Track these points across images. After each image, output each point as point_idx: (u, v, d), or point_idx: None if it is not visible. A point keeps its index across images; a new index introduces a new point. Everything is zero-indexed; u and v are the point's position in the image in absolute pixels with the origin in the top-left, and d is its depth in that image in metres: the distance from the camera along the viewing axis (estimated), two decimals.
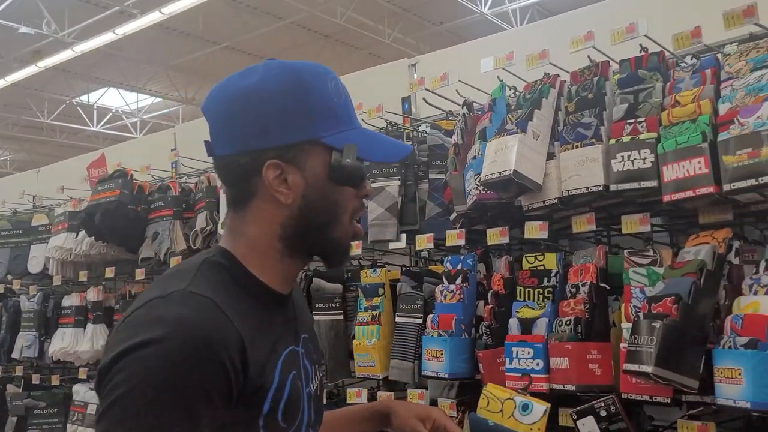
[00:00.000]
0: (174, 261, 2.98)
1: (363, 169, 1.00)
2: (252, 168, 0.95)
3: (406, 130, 2.53)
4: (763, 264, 1.57)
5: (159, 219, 3.10)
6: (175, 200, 3.09)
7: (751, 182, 1.47)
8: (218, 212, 2.92)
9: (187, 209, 3.11)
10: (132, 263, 3.24)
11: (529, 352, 1.82)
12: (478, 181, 1.92)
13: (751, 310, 1.50)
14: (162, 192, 3.15)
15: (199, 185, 3.09)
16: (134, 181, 3.19)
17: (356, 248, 2.39)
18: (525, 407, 1.02)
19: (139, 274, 3.15)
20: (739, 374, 1.43)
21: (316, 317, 2.48)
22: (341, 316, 2.47)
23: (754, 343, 1.44)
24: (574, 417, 1.73)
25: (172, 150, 3.58)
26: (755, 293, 1.53)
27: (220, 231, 2.87)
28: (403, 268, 2.48)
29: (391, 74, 2.85)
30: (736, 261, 1.62)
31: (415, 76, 2.78)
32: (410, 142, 2.45)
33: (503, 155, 1.83)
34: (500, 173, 1.81)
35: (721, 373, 1.46)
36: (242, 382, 0.88)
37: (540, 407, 0.97)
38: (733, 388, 1.44)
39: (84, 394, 3.31)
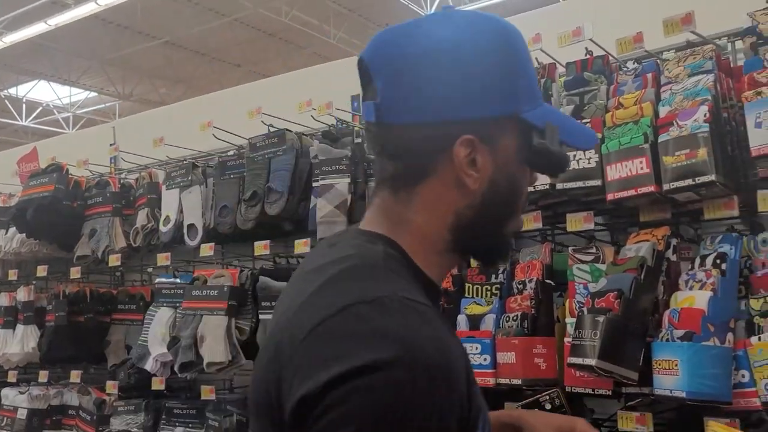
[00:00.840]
0: (113, 259, 2.88)
1: (566, 158, 0.82)
2: (440, 143, 0.77)
3: (356, 128, 2.52)
4: (697, 261, 1.64)
5: (97, 216, 2.98)
6: (115, 196, 2.98)
7: (689, 182, 1.54)
8: (160, 209, 2.84)
9: (127, 206, 3.01)
10: (66, 261, 3.11)
11: (476, 348, 1.85)
12: None
13: (687, 305, 1.57)
14: (100, 188, 3.04)
15: (140, 181, 2.99)
16: (70, 176, 3.06)
17: (304, 245, 2.37)
18: None
19: (75, 272, 3.02)
20: (676, 365, 1.49)
21: (262, 316, 2.44)
22: None
23: (690, 335, 1.51)
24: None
25: (111, 145, 3.46)
26: (691, 288, 1.61)
27: (162, 228, 2.79)
28: None
29: (340, 72, 2.85)
30: (673, 258, 1.69)
31: None
32: (360, 141, 2.45)
33: None
34: None
35: (659, 364, 1.53)
36: (467, 414, 0.69)
37: None
38: (670, 379, 1.51)
39: (14, 398, 3.14)
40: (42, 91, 13.01)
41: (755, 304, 1.53)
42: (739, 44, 1.73)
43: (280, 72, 3.26)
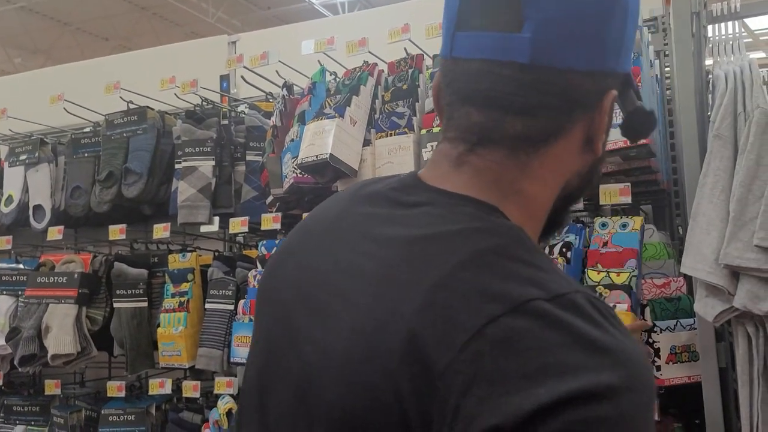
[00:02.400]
0: None
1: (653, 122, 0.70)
2: (589, 95, 0.62)
3: (224, 109, 2.43)
4: (546, 250, 1.74)
5: None
6: None
7: None
8: (1, 187, 2.59)
9: None
10: None
11: None
12: (295, 165, 1.90)
13: None
14: None
15: None
16: None
17: (164, 230, 2.25)
18: None
19: None
20: None
21: (116, 305, 2.29)
22: (145, 304, 2.31)
23: None
24: None
25: None
26: None
27: (3, 208, 2.54)
28: (216, 253, 2.38)
29: (210, 50, 2.73)
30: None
31: (235, 53, 2.69)
32: (227, 122, 2.36)
33: (320, 139, 1.83)
34: (317, 157, 1.81)
35: None
36: None
37: None
38: None
39: None
40: None
41: (594, 275, 1.63)
42: None
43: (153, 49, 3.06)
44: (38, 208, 2.50)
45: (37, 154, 2.52)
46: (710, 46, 1.62)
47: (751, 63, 1.36)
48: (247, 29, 11.62)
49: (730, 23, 1.56)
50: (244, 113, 2.39)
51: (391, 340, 0.52)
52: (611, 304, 1.58)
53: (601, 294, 1.62)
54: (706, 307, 1.35)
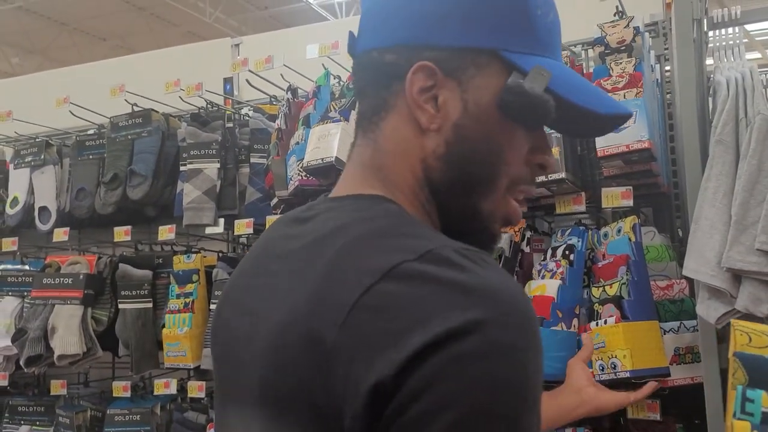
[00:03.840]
0: None
1: (551, 106, 0.65)
2: (398, 69, 0.66)
3: (228, 112, 2.45)
4: (549, 252, 1.77)
5: None
6: None
7: (542, 178, 1.65)
8: (6, 189, 2.60)
9: None
10: None
11: None
12: (301, 167, 1.92)
13: (539, 293, 1.68)
14: None
15: None
16: None
17: (169, 232, 2.27)
18: None
19: None
20: None
21: (121, 306, 2.31)
22: (150, 305, 2.33)
23: (540, 321, 1.62)
24: None
25: None
26: (542, 277, 1.73)
27: (9, 210, 2.55)
28: (220, 254, 2.40)
29: (213, 53, 2.75)
30: (527, 249, 1.80)
31: (239, 56, 2.71)
32: (231, 125, 2.38)
33: (326, 142, 1.85)
34: (322, 160, 1.83)
35: None
36: None
37: None
38: None
39: None
40: None
41: (596, 292, 1.67)
42: (591, 52, 1.88)
43: (150, 49, 3.08)
44: (43, 209, 2.51)
45: (42, 156, 2.53)
46: (711, 50, 1.65)
47: (752, 69, 1.39)
48: (244, 29, 11.62)
49: (730, 28, 1.59)
50: (248, 116, 2.41)
51: (293, 333, 0.57)
52: (603, 320, 1.60)
53: (597, 312, 1.64)
54: (709, 310, 1.37)
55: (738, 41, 1.54)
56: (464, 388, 0.49)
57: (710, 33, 1.67)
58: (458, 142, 0.66)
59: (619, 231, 1.73)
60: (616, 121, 0.72)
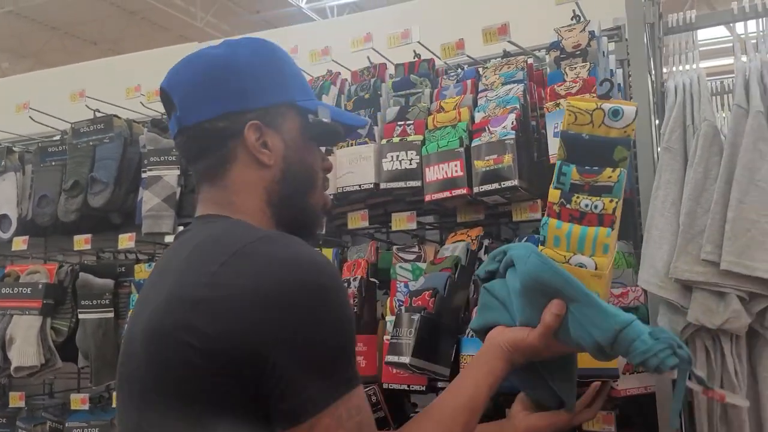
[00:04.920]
0: None
1: (338, 130, 1.03)
2: (232, 131, 0.95)
3: None
4: None
5: None
6: None
7: (495, 186, 1.62)
8: None
9: None
10: None
11: None
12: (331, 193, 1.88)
13: None
14: None
15: None
16: None
17: (129, 240, 2.23)
18: (615, 113, 0.95)
19: None
20: None
21: (81, 316, 2.27)
22: (111, 314, 2.29)
23: None
24: None
25: None
26: None
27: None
28: None
29: (174, 58, 2.71)
30: (484, 257, 1.76)
31: None
32: None
33: (359, 167, 1.82)
34: (360, 186, 1.80)
35: (464, 359, 1.59)
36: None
37: (630, 108, 0.90)
38: None
39: None
40: None
41: None
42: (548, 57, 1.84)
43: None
44: (4, 217, 2.47)
45: (3, 163, 2.50)
46: (666, 55, 1.61)
47: (700, 75, 1.35)
48: (236, 33, 11.57)
49: (684, 34, 1.55)
50: None
51: (162, 320, 0.84)
52: None
53: None
54: (671, 323, 1.33)
55: (689, 47, 1.51)
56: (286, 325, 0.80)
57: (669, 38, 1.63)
58: (288, 168, 0.99)
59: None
60: (356, 128, 1.17)
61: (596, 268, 1.03)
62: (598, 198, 0.97)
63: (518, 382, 1.27)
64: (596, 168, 0.98)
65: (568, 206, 1.01)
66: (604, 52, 1.67)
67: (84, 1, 10.02)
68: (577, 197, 0.99)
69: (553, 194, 1.03)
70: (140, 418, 0.85)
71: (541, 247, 1.08)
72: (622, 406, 1.61)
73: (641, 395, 1.56)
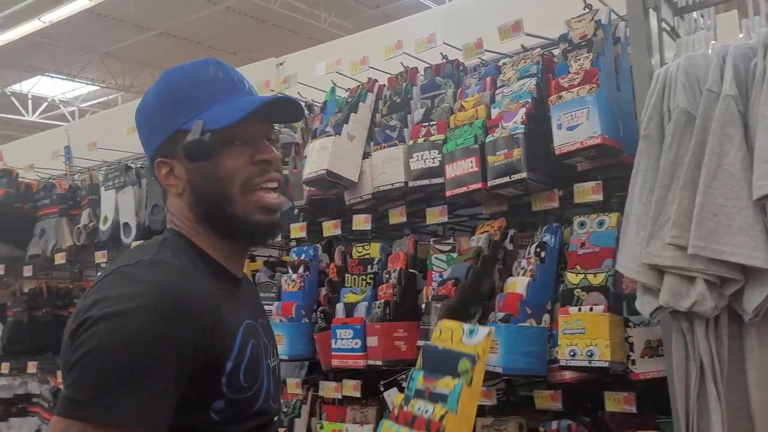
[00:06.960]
0: (58, 258, 3.10)
1: (203, 142, 1.00)
2: (154, 170, 1.07)
3: None
4: (531, 249, 1.79)
5: (45, 216, 3.20)
6: (61, 198, 3.19)
7: (506, 179, 1.69)
8: (100, 209, 3.05)
9: (75, 206, 3.22)
10: (21, 261, 3.33)
11: (349, 333, 2.03)
12: (303, 180, 2.10)
13: (510, 290, 1.72)
14: (47, 190, 3.25)
15: (84, 182, 3.20)
16: (21, 180, 3.28)
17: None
18: (471, 332, 1.04)
19: (27, 271, 3.25)
20: (496, 344, 1.66)
21: None
22: None
23: (508, 317, 1.67)
24: (381, 389, 1.95)
25: (65, 147, 3.67)
26: (518, 275, 1.76)
27: (102, 227, 3.00)
28: (268, 260, 2.65)
29: (260, 73, 3.00)
30: (510, 247, 1.84)
31: (283, 74, 2.93)
32: None
33: (320, 156, 2.01)
34: (316, 172, 2.00)
35: None
36: (209, 342, 0.94)
37: (484, 329, 1.05)
38: (492, 357, 1.67)
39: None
40: (47, 85, 13.32)
41: (573, 278, 1.66)
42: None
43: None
44: (126, 225, 2.92)
45: (123, 179, 2.95)
46: (681, 38, 1.58)
47: (681, 61, 1.32)
48: (359, 30, 11.95)
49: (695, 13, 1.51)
50: (280, 131, 2.62)
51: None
52: (588, 307, 1.60)
53: (578, 298, 1.64)
54: (644, 305, 1.35)
55: (698, 27, 1.46)
56: (103, 332, 0.89)
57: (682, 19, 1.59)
58: (194, 189, 1.04)
59: (600, 224, 1.72)
60: (264, 109, 1.03)
61: None
62: (432, 404, 1.01)
63: None
64: (438, 374, 1.03)
65: (405, 408, 1.05)
66: (611, 41, 1.67)
67: (220, 16, 10.95)
68: (415, 401, 1.04)
69: (398, 397, 1.10)
70: None
71: None
72: (641, 388, 1.62)
73: (658, 378, 1.57)
